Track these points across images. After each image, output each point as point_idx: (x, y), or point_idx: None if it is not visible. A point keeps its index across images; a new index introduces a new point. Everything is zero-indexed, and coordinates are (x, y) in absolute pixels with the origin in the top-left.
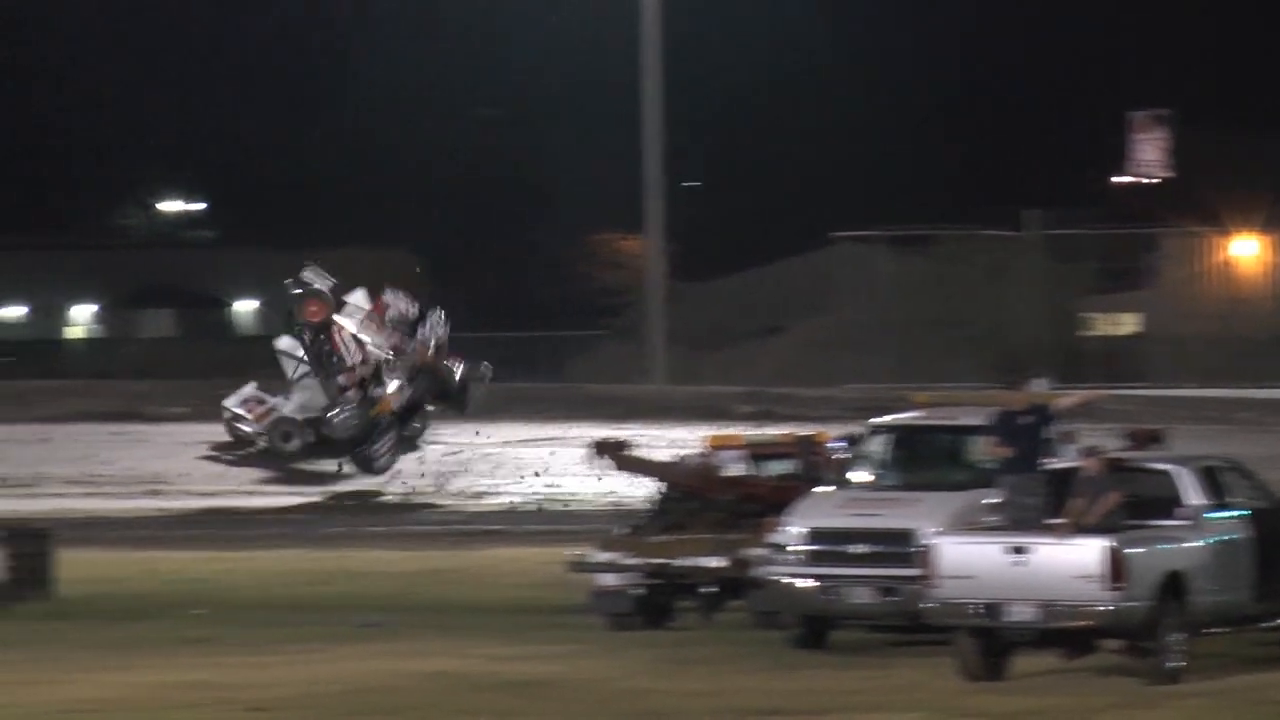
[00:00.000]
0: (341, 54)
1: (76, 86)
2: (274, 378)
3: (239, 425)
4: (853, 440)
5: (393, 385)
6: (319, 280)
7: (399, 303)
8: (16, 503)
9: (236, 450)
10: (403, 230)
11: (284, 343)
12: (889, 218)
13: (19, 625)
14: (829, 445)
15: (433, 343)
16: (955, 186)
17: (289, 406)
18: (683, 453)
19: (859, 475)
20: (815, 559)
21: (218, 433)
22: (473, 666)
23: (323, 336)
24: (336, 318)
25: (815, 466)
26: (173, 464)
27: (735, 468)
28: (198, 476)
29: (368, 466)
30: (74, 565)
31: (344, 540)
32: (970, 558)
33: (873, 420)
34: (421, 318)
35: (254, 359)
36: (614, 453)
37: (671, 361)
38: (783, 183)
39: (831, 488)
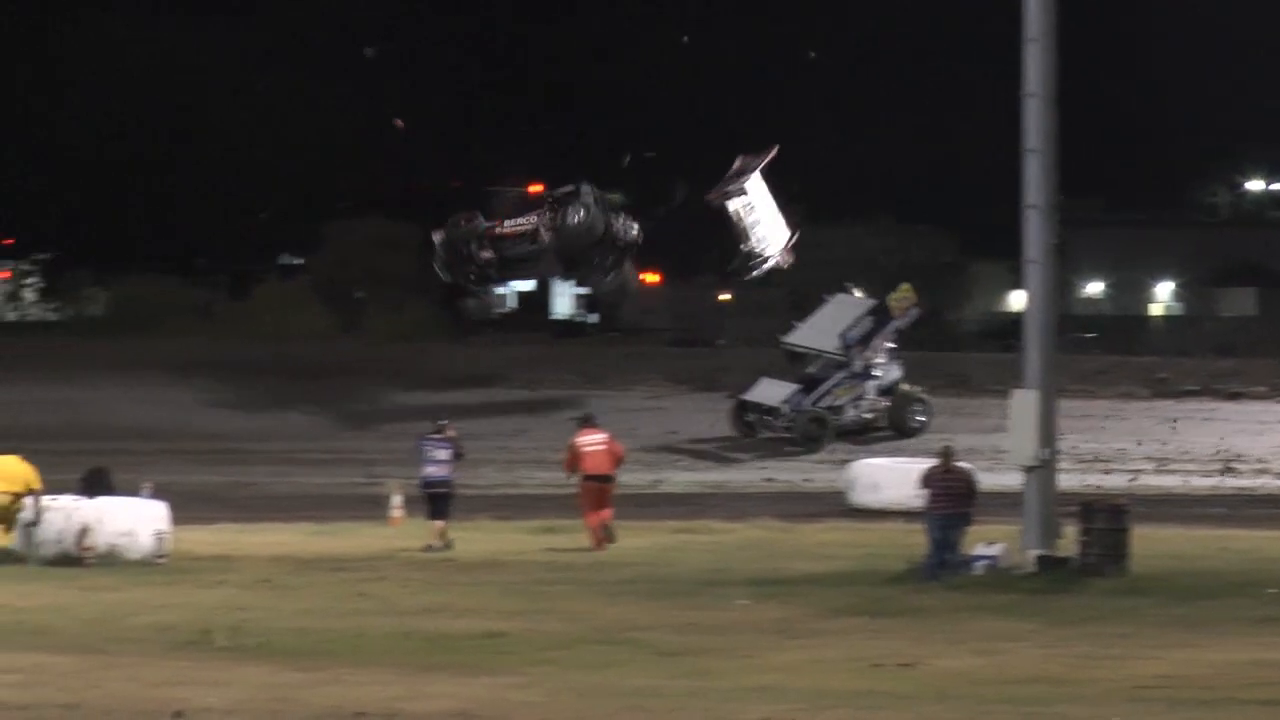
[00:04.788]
0: None
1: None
2: None
3: None
4: None
5: None
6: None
7: None
8: (1096, 478)
9: None
10: None
11: None
12: None
13: (1094, 600)
14: None
15: None
16: None
17: None
18: None
19: None
20: None
21: None
22: None
23: None
24: None
25: None
26: (1250, 442)
27: None
28: (1274, 455)
29: None
30: (1148, 541)
31: None
32: None
33: None
34: None
35: None
36: None
37: None
38: None
39: None
